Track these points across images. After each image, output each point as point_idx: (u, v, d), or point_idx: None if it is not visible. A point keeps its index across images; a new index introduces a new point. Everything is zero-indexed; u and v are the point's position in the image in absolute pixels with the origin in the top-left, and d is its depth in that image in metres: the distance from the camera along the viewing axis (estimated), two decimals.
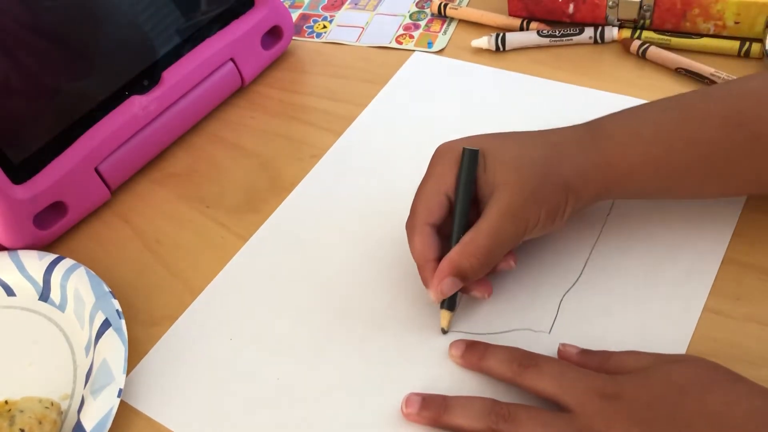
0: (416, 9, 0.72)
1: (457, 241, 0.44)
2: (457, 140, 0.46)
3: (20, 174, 0.53)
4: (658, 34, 0.61)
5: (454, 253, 0.43)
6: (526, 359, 0.41)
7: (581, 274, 0.47)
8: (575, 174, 0.44)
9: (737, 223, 0.47)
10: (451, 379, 0.44)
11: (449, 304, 0.45)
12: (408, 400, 0.42)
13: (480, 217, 0.43)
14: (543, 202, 0.43)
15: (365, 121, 0.61)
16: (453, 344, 0.44)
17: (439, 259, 0.44)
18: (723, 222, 0.47)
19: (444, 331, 0.46)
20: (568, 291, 0.46)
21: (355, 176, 0.57)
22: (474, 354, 0.43)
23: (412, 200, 0.53)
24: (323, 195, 0.56)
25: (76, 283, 0.51)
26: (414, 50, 0.67)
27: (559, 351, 0.43)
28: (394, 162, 0.58)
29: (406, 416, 0.42)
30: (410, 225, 0.45)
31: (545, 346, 0.43)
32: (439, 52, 0.66)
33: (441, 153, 0.46)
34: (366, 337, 0.47)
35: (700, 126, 0.44)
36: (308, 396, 0.44)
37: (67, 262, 0.53)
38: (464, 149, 0.45)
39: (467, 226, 0.44)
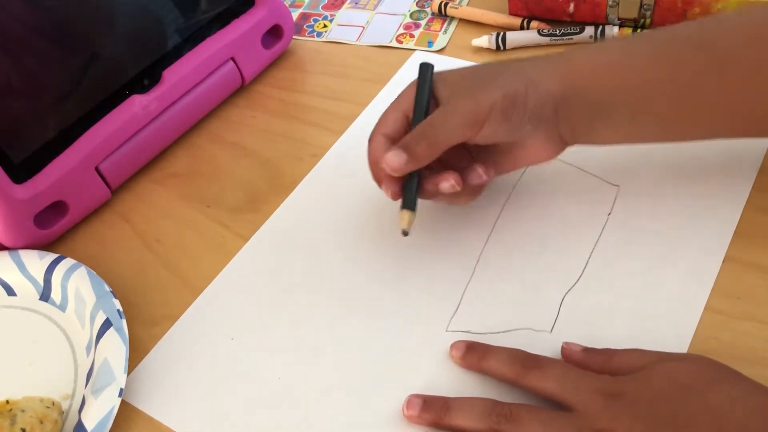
0: (417, 8, 0.72)
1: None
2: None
3: (21, 173, 0.53)
4: None
5: (406, 136, 0.44)
6: (528, 361, 0.41)
7: (582, 273, 0.47)
8: (537, 72, 0.44)
9: (738, 222, 0.47)
10: (451, 379, 0.44)
11: (408, 203, 0.45)
12: (409, 402, 0.42)
13: None
14: (500, 85, 0.43)
15: (366, 121, 0.61)
16: (453, 345, 0.44)
17: None
18: (724, 221, 0.47)
19: (405, 233, 0.45)
20: (569, 290, 0.46)
21: (355, 176, 0.57)
22: (474, 355, 0.43)
23: None
24: (324, 194, 0.56)
25: (77, 283, 0.51)
26: (415, 49, 0.67)
27: (562, 349, 0.43)
28: None
29: (408, 418, 0.42)
30: (370, 139, 0.47)
31: (546, 345, 0.43)
32: (440, 51, 0.66)
33: (405, 88, 0.47)
34: (366, 336, 0.47)
35: (667, 46, 0.44)
36: (309, 396, 0.44)
37: (67, 262, 0.52)
38: (420, 64, 0.46)
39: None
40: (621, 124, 0.45)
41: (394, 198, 0.45)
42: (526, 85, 0.43)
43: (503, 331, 0.45)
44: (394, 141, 0.45)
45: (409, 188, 0.45)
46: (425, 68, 0.47)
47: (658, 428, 0.35)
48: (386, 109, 0.47)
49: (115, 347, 0.46)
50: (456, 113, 0.43)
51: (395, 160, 0.43)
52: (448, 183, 0.44)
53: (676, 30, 0.44)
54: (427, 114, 0.45)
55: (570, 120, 0.45)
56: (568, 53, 0.46)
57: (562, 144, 0.46)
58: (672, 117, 0.45)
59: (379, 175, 0.46)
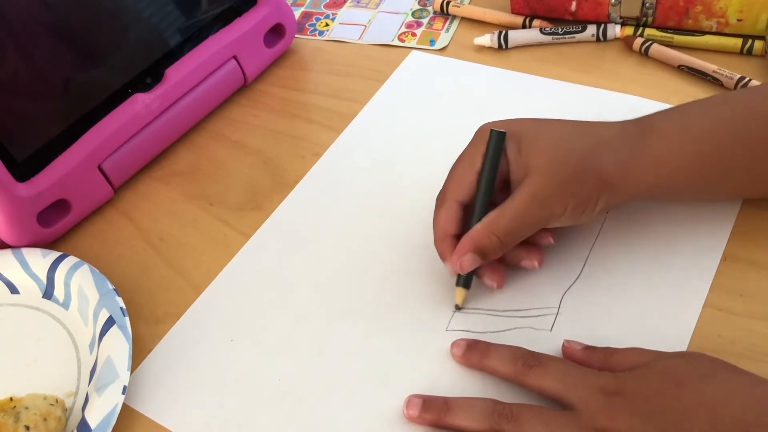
0: (418, 7, 0.72)
1: (477, 219, 0.44)
2: (499, 121, 0.46)
3: (24, 172, 0.53)
4: (661, 31, 0.61)
5: (476, 230, 0.43)
6: (529, 359, 0.41)
7: (582, 271, 0.47)
8: (616, 169, 0.43)
9: (736, 220, 0.47)
10: (452, 378, 0.44)
11: (465, 281, 0.46)
12: (409, 402, 0.42)
13: (508, 198, 0.44)
14: (573, 194, 0.43)
15: (366, 119, 0.62)
16: (454, 343, 0.45)
17: (458, 236, 0.45)
18: (722, 218, 0.47)
19: (458, 308, 0.46)
20: (568, 289, 0.46)
21: (357, 173, 0.57)
22: (475, 353, 0.43)
23: (412, 196, 0.54)
24: (325, 192, 0.57)
25: (80, 281, 0.51)
26: (414, 48, 0.67)
27: (563, 347, 0.43)
28: (396, 159, 0.58)
29: (408, 418, 0.42)
30: (439, 199, 0.46)
31: (546, 344, 0.44)
32: (442, 50, 0.67)
33: (480, 133, 0.46)
34: (367, 336, 0.47)
35: (749, 123, 0.44)
36: (309, 396, 0.45)
37: (70, 260, 0.53)
38: (491, 131, 0.45)
39: (487, 205, 0.44)
40: (693, 197, 0.47)
41: (454, 275, 0.46)
42: (601, 190, 0.43)
43: (503, 330, 0.45)
44: (465, 207, 0.45)
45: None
46: (496, 137, 0.44)
47: (656, 423, 0.35)
48: (458, 169, 0.46)
49: (118, 345, 0.47)
50: (530, 218, 0.43)
51: (471, 264, 0.44)
52: (491, 282, 0.46)
53: (755, 103, 0.45)
54: (492, 189, 0.45)
55: (632, 200, 0.46)
56: (651, 142, 0.44)
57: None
58: (743, 188, 0.46)
59: (444, 250, 0.45)
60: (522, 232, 0.44)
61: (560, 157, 0.43)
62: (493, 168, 0.45)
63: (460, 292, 0.46)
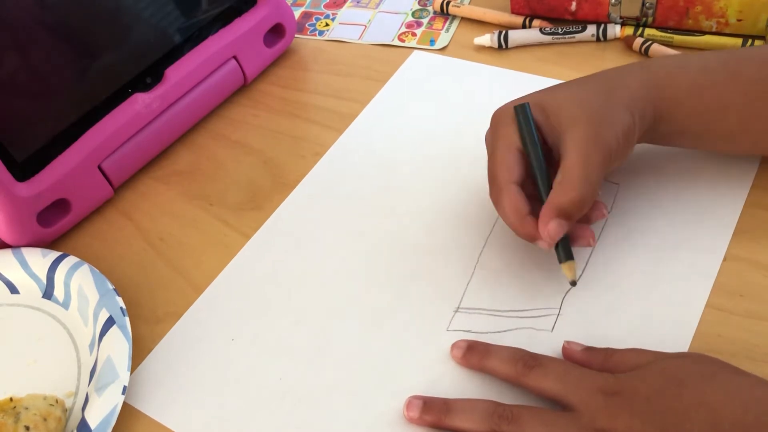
0: (418, 7, 0.72)
1: (545, 188, 0.44)
2: (508, 103, 0.47)
3: (24, 171, 0.53)
4: (661, 31, 0.61)
5: (552, 196, 0.43)
6: (530, 360, 0.41)
7: (583, 272, 0.47)
8: (632, 97, 0.45)
9: (738, 220, 0.47)
10: (452, 379, 0.44)
11: (566, 254, 0.44)
12: (409, 404, 0.42)
13: (562, 158, 0.43)
14: (616, 124, 0.44)
15: (367, 119, 0.62)
16: (454, 344, 0.45)
17: (533, 214, 0.44)
18: (724, 218, 0.47)
19: (574, 283, 0.45)
20: (570, 289, 0.46)
21: (357, 173, 0.57)
22: (475, 354, 0.43)
23: (413, 196, 0.54)
24: (326, 192, 0.57)
25: (80, 281, 0.51)
26: (414, 48, 0.67)
27: (563, 348, 0.43)
28: (396, 159, 0.58)
29: (408, 420, 0.42)
30: (495, 190, 0.45)
31: (547, 344, 0.44)
32: (442, 49, 0.67)
33: (498, 117, 0.47)
34: (367, 336, 0.47)
35: (744, 64, 0.46)
36: (310, 397, 0.45)
37: (70, 260, 0.53)
38: (515, 107, 0.45)
39: (547, 174, 0.44)
40: (688, 139, 0.48)
41: (549, 249, 0.44)
42: (632, 120, 0.44)
43: (504, 331, 0.45)
44: (522, 185, 0.45)
45: (562, 240, 0.44)
46: (522, 111, 0.45)
47: (656, 424, 0.35)
48: (498, 154, 0.45)
49: (118, 345, 0.47)
50: (594, 161, 0.43)
51: (557, 232, 0.43)
52: (586, 241, 0.45)
53: (752, 51, 0.48)
54: (543, 156, 0.45)
55: (647, 135, 0.47)
56: (654, 68, 0.47)
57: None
58: (743, 132, 0.46)
59: (530, 232, 0.44)
60: (594, 178, 0.43)
61: (585, 102, 0.44)
62: (534, 138, 0.45)
63: (568, 266, 0.44)
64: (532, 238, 0.44)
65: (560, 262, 0.44)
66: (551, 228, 0.43)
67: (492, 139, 0.46)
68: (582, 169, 0.43)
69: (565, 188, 0.43)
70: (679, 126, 0.46)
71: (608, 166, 0.44)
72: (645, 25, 0.62)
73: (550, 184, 0.44)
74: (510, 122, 0.46)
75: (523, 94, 0.48)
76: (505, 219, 0.45)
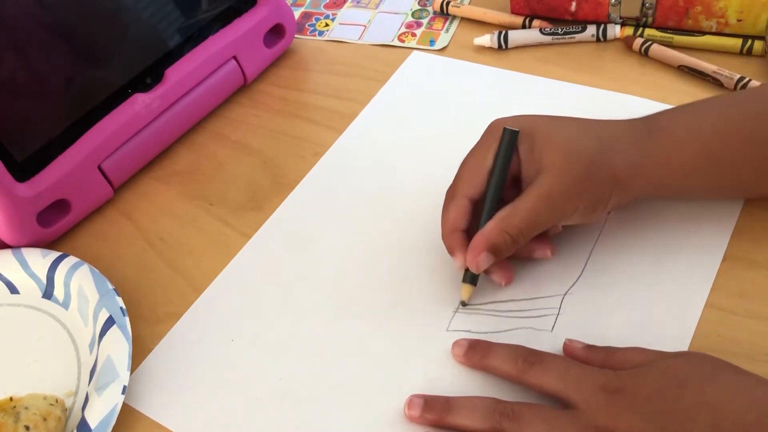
0: (418, 7, 0.72)
1: (487, 216, 0.44)
2: (510, 117, 0.47)
3: (24, 172, 0.53)
4: (661, 31, 0.61)
5: (488, 229, 0.44)
6: (530, 356, 0.41)
7: (583, 271, 0.47)
8: (626, 168, 0.44)
9: (738, 220, 0.47)
10: (453, 378, 0.44)
11: (472, 278, 0.46)
12: (410, 403, 0.42)
13: (520, 196, 0.44)
14: (584, 194, 0.43)
15: (367, 119, 0.62)
16: (455, 343, 0.45)
17: (466, 231, 0.45)
18: (723, 218, 0.47)
19: (464, 304, 0.46)
20: (569, 289, 0.46)
21: (357, 173, 0.57)
22: (477, 353, 0.43)
23: (412, 197, 0.54)
24: (326, 192, 0.57)
25: (80, 281, 0.51)
26: (414, 48, 0.67)
27: (564, 346, 0.43)
28: (396, 159, 0.58)
29: (409, 418, 0.42)
30: (449, 194, 0.46)
31: (547, 344, 0.43)
32: (442, 50, 0.67)
33: (491, 129, 0.47)
34: (367, 336, 0.47)
35: (757, 124, 0.44)
36: (310, 396, 0.45)
37: (70, 260, 0.53)
38: (504, 129, 0.45)
39: (498, 202, 0.45)
40: (700, 196, 0.48)
41: (461, 270, 0.46)
42: (612, 190, 0.44)
43: (504, 331, 0.45)
44: (474, 203, 0.45)
45: None
46: (509, 135, 0.45)
47: (657, 423, 0.35)
48: (468, 165, 0.46)
49: (118, 345, 0.47)
50: (542, 217, 0.43)
51: (485, 263, 0.44)
52: (499, 279, 0.46)
53: (762, 105, 0.45)
54: (503, 187, 0.45)
55: (641, 199, 0.47)
56: (659, 136, 0.45)
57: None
58: (751, 187, 0.46)
59: (452, 245, 0.45)
60: (534, 230, 0.44)
61: (572, 156, 0.43)
62: (504, 166, 0.45)
63: (466, 289, 0.46)
64: (451, 251, 0.46)
65: (463, 281, 0.46)
66: (480, 261, 0.44)
67: (474, 146, 0.47)
68: (524, 220, 0.43)
69: (502, 226, 0.43)
70: (685, 191, 0.46)
71: (555, 224, 0.45)
72: (645, 26, 0.62)
73: (494, 212, 0.44)
74: (496, 140, 0.45)
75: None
76: (442, 222, 0.46)
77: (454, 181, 0.47)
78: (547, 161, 0.44)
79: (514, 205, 0.43)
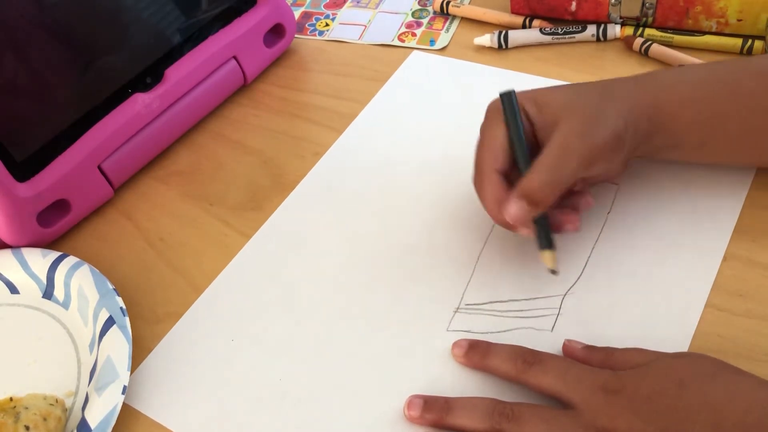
0: (418, 7, 0.72)
1: (525, 170, 0.44)
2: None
3: (24, 172, 0.53)
4: (661, 31, 0.61)
5: (523, 179, 0.43)
6: (530, 356, 0.41)
7: (583, 272, 0.47)
8: (628, 109, 0.44)
9: (738, 220, 0.47)
10: (453, 378, 0.44)
11: (544, 243, 0.44)
12: (410, 403, 0.42)
13: (545, 147, 0.43)
14: (609, 126, 0.43)
15: (366, 119, 0.62)
16: (455, 343, 0.45)
17: None
18: (723, 218, 0.48)
19: (554, 272, 0.45)
20: (569, 289, 0.46)
21: (357, 173, 0.57)
22: (477, 353, 0.43)
23: (412, 196, 0.54)
24: (326, 192, 0.57)
25: (80, 281, 0.51)
26: (414, 48, 0.67)
27: (564, 346, 0.43)
28: (395, 159, 0.58)
29: (409, 419, 0.42)
30: (478, 177, 0.46)
31: (547, 344, 0.43)
32: (442, 50, 0.67)
33: (492, 107, 0.47)
34: (367, 336, 0.47)
35: (744, 78, 0.45)
36: (309, 396, 0.45)
37: (70, 260, 0.53)
38: (500, 93, 0.45)
39: (529, 157, 0.44)
40: (690, 149, 0.47)
41: (528, 235, 0.45)
42: (625, 126, 0.44)
43: (504, 331, 0.45)
44: (505, 174, 0.45)
45: (542, 227, 0.44)
46: (508, 98, 0.45)
47: (657, 424, 0.35)
48: (484, 142, 0.46)
49: (118, 345, 0.47)
50: (574, 153, 0.43)
51: (519, 213, 0.43)
52: (571, 226, 0.45)
53: (750, 61, 0.47)
54: (525, 143, 0.45)
55: (642, 148, 0.46)
56: (649, 80, 0.46)
57: (628, 165, 0.48)
58: (741, 144, 0.47)
59: (504, 218, 0.44)
60: (570, 172, 0.43)
61: (581, 102, 0.44)
62: (517, 123, 0.45)
63: (547, 255, 0.44)
64: (509, 226, 0.44)
65: (539, 248, 0.44)
66: (511, 210, 0.43)
67: (483, 127, 0.47)
68: (557, 157, 0.43)
69: (535, 172, 0.43)
70: (677, 138, 0.46)
71: (589, 164, 0.43)
72: (645, 25, 0.62)
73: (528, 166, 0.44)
74: (500, 114, 0.46)
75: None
76: (485, 205, 0.45)
77: (475, 163, 0.46)
78: (558, 110, 0.44)
79: (541, 153, 0.43)
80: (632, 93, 0.46)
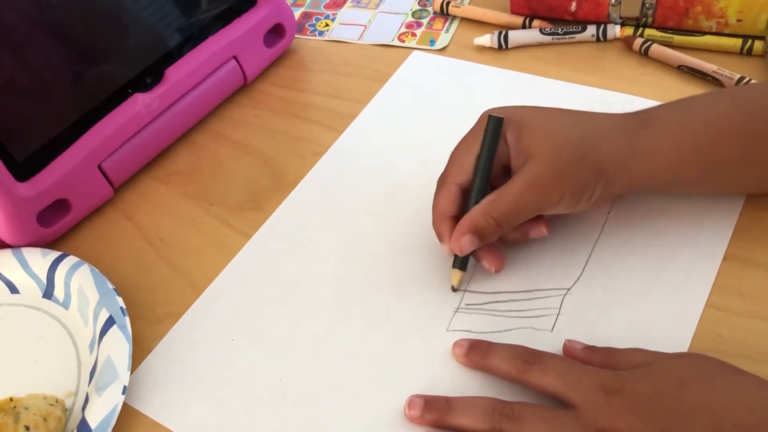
0: (418, 7, 0.72)
1: (475, 201, 0.45)
2: (499, 107, 0.47)
3: (24, 171, 0.53)
4: (661, 31, 0.61)
5: (474, 212, 0.44)
6: (530, 356, 0.41)
7: (583, 272, 0.47)
8: (612, 160, 0.44)
9: (738, 220, 0.47)
10: (453, 378, 0.44)
11: (461, 263, 0.47)
12: (411, 403, 0.42)
13: (507, 182, 0.44)
14: (571, 181, 0.44)
15: (367, 119, 0.62)
16: (456, 343, 0.45)
17: (456, 218, 0.45)
18: (723, 218, 0.47)
19: (454, 289, 0.47)
20: (569, 289, 0.46)
21: (357, 173, 0.57)
22: (477, 353, 0.43)
23: (412, 196, 0.54)
24: (326, 192, 0.57)
25: (80, 281, 0.51)
26: (414, 48, 0.67)
27: (564, 347, 0.43)
28: (395, 159, 0.58)
29: (410, 419, 0.42)
30: (440, 182, 0.47)
31: (547, 344, 0.43)
32: (442, 50, 0.67)
33: (482, 119, 0.47)
34: (367, 336, 0.47)
35: (747, 117, 0.44)
36: (310, 396, 0.45)
37: (70, 260, 0.53)
38: (489, 116, 0.46)
39: (485, 188, 0.45)
40: (690, 189, 0.48)
41: (450, 256, 0.47)
42: (597, 181, 0.44)
43: (504, 331, 0.45)
44: (464, 189, 0.46)
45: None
46: (494, 122, 0.45)
47: (658, 424, 0.35)
48: (458, 153, 0.47)
49: (118, 345, 0.47)
50: (527, 202, 0.44)
51: (467, 246, 0.44)
52: (489, 265, 0.47)
53: (757, 99, 0.45)
54: (490, 172, 0.45)
55: (628, 194, 0.47)
56: (648, 132, 0.45)
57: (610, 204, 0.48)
58: (737, 181, 0.46)
59: (441, 231, 0.46)
60: (519, 216, 0.44)
61: (559, 145, 0.44)
62: (490, 151, 0.45)
63: (456, 274, 0.47)
64: (440, 237, 0.46)
65: (453, 266, 0.47)
66: (463, 242, 0.44)
67: (467, 134, 0.47)
68: (510, 204, 0.44)
69: (488, 210, 0.44)
70: (675, 185, 0.47)
71: (541, 211, 0.45)
72: (645, 26, 0.62)
73: (482, 197, 0.45)
74: (484, 128, 0.46)
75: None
76: (433, 210, 0.47)
77: (444, 168, 0.47)
78: (534, 150, 0.44)
79: (500, 189, 0.44)
80: (623, 143, 0.44)
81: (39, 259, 0.53)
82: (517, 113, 0.46)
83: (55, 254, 0.53)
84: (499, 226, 0.44)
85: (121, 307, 0.49)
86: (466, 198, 0.46)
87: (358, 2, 0.75)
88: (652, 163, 0.44)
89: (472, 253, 0.46)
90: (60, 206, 0.56)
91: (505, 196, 0.44)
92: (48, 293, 0.53)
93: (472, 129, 0.47)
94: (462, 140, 0.47)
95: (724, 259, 0.46)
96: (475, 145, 0.46)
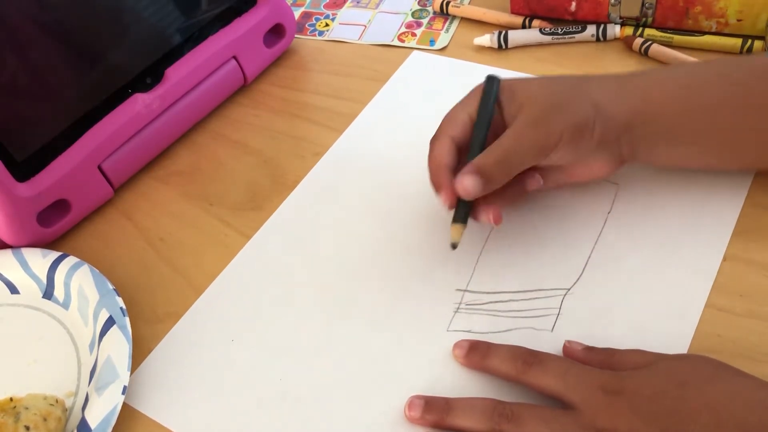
0: (418, 7, 0.72)
1: (476, 153, 0.44)
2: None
3: (24, 172, 0.53)
4: (661, 31, 0.61)
5: (479, 157, 0.44)
6: (530, 357, 0.41)
7: (583, 272, 0.47)
8: (606, 98, 0.45)
9: (738, 220, 0.47)
10: (453, 378, 0.44)
11: (463, 216, 0.45)
12: (411, 404, 0.42)
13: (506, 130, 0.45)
14: (568, 114, 0.44)
15: (367, 119, 0.62)
16: (456, 344, 0.45)
17: (452, 170, 0.45)
18: (723, 218, 0.48)
19: (454, 246, 0.46)
20: (569, 289, 0.46)
21: (357, 173, 0.57)
22: (477, 353, 0.43)
23: (412, 196, 0.54)
24: (326, 192, 0.57)
25: (80, 281, 0.51)
26: (414, 48, 0.67)
27: (564, 348, 0.43)
28: (395, 159, 0.58)
29: (410, 420, 0.42)
30: (433, 138, 0.47)
31: (547, 344, 0.43)
32: (442, 50, 0.67)
33: (474, 88, 0.48)
34: (367, 337, 0.47)
35: (734, 69, 0.46)
36: (310, 396, 0.45)
37: (70, 260, 0.53)
38: (487, 76, 0.47)
39: (484, 142, 0.45)
40: (683, 146, 0.47)
41: (450, 208, 0.45)
42: (595, 114, 0.44)
43: (504, 331, 0.45)
44: (458, 144, 0.46)
45: (465, 204, 0.45)
46: (491, 82, 0.46)
47: (658, 424, 0.35)
48: (453, 109, 0.47)
49: (118, 345, 0.47)
50: (528, 140, 0.44)
51: (471, 186, 0.43)
52: (487, 218, 0.45)
53: (743, 58, 0.48)
54: (488, 127, 0.46)
55: (632, 143, 0.46)
56: (637, 75, 0.47)
57: (621, 162, 0.47)
58: (735, 141, 0.46)
59: (440, 180, 0.45)
60: (523, 156, 0.44)
61: (552, 90, 0.45)
62: (488, 107, 0.46)
63: (456, 228, 0.45)
64: (438, 187, 0.45)
65: (453, 221, 0.45)
66: (467, 182, 0.43)
67: (460, 100, 0.48)
68: (513, 143, 0.44)
69: (491, 151, 0.44)
70: (665, 129, 0.46)
71: (543, 151, 0.44)
72: (645, 26, 0.62)
73: (481, 150, 0.45)
74: (478, 92, 0.47)
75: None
76: (428, 164, 0.46)
77: (437, 129, 0.47)
78: (530, 97, 0.45)
79: (501, 137, 0.44)
80: (612, 83, 0.46)
81: (39, 260, 0.53)
82: (508, 82, 0.47)
83: (55, 254, 0.53)
84: (503, 166, 0.43)
85: (121, 308, 0.49)
86: (462, 155, 0.46)
87: (358, 2, 0.75)
88: (642, 97, 0.45)
89: (471, 211, 0.45)
90: (60, 206, 0.56)
91: (506, 139, 0.44)
92: (48, 293, 0.53)
93: (464, 97, 0.48)
94: (455, 104, 0.48)
95: (724, 259, 0.46)
96: (469, 104, 0.47)
